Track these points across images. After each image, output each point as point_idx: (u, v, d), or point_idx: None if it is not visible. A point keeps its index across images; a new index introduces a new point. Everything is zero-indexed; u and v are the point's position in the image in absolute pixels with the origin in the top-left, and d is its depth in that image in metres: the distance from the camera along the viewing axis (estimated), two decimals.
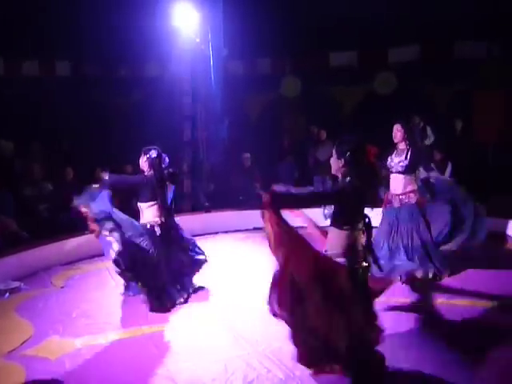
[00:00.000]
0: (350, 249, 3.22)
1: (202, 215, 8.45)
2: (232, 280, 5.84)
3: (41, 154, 8.76)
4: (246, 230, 8.22)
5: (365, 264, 3.27)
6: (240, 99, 10.90)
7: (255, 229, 7.90)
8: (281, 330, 4.32)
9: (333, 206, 3.28)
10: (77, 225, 7.31)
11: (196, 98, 8.97)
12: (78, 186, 7.99)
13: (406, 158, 5.46)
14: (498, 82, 9.68)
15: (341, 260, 3.20)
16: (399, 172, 5.47)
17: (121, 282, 5.44)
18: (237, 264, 6.51)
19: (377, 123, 8.80)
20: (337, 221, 3.28)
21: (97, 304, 5.27)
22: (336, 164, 3.36)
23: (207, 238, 7.78)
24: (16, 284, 5.78)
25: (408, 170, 5.45)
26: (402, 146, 5.55)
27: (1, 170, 7.75)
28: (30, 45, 9.52)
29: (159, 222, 5.08)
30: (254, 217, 7.76)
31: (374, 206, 3.75)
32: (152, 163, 5.09)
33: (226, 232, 8.32)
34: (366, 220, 3.34)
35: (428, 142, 9.17)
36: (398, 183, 5.50)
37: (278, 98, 11.42)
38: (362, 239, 3.31)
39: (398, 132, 5.52)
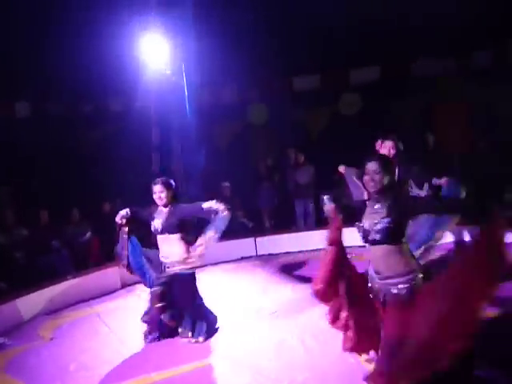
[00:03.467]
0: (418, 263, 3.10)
1: None
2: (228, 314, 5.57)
3: (10, 198, 8.29)
4: (234, 260, 8.06)
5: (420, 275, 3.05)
6: (209, 129, 10.78)
7: (243, 258, 8.05)
8: (302, 361, 4.12)
9: (386, 219, 3.01)
10: (57, 270, 6.95)
11: (169, 130, 8.80)
12: (55, 228, 7.66)
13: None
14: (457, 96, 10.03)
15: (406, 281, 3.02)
16: None
17: (114, 327, 5.22)
18: (228, 297, 6.25)
19: (344, 143, 8.94)
20: (394, 235, 3.03)
21: (94, 354, 4.87)
22: (382, 181, 3.11)
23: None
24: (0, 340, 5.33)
25: None
26: None
27: None
28: None
29: None
30: (241, 246, 7.89)
31: None
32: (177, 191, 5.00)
33: (216, 264, 7.97)
34: None
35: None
36: None
37: (246, 126, 11.38)
38: None
39: (392, 150, 5.26)
